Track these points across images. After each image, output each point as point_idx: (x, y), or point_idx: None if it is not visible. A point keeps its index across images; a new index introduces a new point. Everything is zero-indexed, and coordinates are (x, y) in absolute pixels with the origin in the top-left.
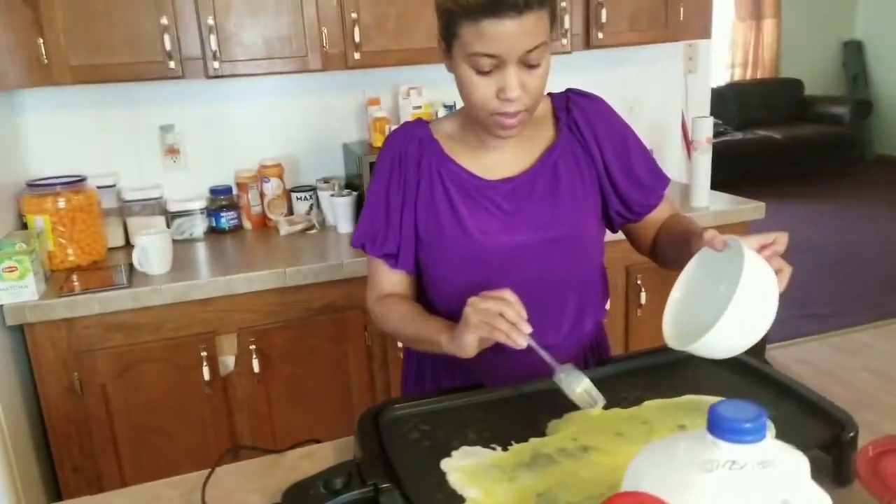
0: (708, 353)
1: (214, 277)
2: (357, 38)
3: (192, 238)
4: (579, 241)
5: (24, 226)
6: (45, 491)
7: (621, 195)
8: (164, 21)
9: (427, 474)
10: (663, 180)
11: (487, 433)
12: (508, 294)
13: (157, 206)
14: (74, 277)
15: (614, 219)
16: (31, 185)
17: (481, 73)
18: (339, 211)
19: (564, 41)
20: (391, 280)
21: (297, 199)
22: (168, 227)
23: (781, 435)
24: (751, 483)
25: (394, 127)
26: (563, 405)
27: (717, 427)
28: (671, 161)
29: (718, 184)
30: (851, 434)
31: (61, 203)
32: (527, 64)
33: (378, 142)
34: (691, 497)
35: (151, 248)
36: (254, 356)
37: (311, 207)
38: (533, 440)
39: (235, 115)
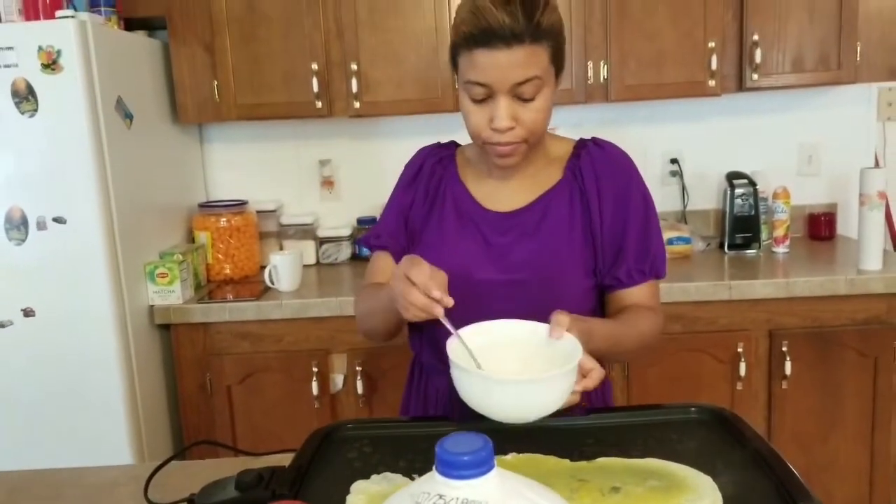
0: (479, 396)
1: (327, 298)
2: None
3: (335, 262)
4: (552, 288)
5: (193, 240)
6: None
7: (599, 255)
8: (315, 66)
9: (333, 492)
10: (651, 266)
11: (420, 463)
12: (415, 271)
13: (309, 232)
14: (219, 288)
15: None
16: (201, 206)
17: (475, 101)
18: None
19: (712, 82)
20: (384, 272)
21: None
22: (317, 251)
23: None
24: None
25: None
26: (516, 445)
27: (437, 458)
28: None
29: None
30: None
31: (222, 222)
32: (520, 97)
33: None
34: None
35: (281, 267)
36: (358, 377)
37: None
38: None
39: (383, 151)
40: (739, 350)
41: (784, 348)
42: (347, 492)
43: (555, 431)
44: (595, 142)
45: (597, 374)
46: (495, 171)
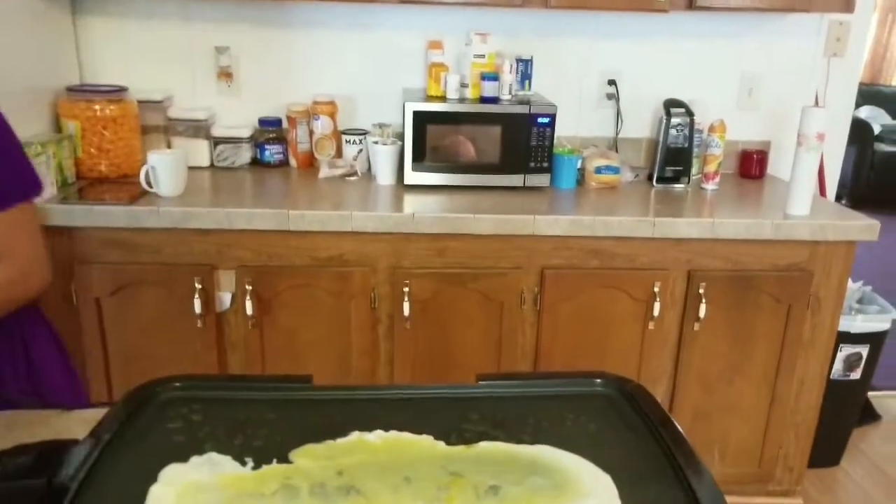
0: None
1: (215, 208)
2: None
3: (232, 167)
4: None
5: (60, 130)
6: None
7: None
8: None
9: (137, 480)
10: None
11: (260, 441)
12: None
13: (202, 129)
14: (91, 187)
15: None
16: (71, 90)
17: None
18: (378, 159)
19: None
20: None
21: (347, 141)
22: (212, 152)
23: None
24: None
25: (452, 75)
26: (387, 417)
27: None
28: (785, 159)
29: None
30: None
31: (96, 111)
32: None
33: (433, 90)
34: None
35: (161, 169)
36: (248, 297)
37: (359, 152)
38: (299, 463)
39: (293, 42)
40: (656, 290)
41: (701, 290)
42: (152, 479)
43: (435, 400)
44: None
45: None
46: None
